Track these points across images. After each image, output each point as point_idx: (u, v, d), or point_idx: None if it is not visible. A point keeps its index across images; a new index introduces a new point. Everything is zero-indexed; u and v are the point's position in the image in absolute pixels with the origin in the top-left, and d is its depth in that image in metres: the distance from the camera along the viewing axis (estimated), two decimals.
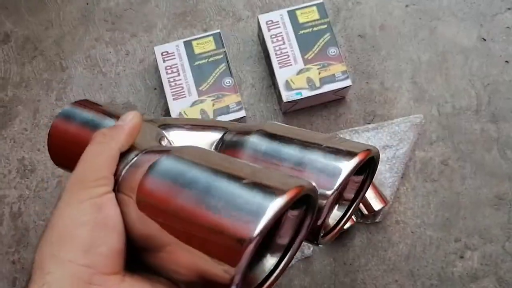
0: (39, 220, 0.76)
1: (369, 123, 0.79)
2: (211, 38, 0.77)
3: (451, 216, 0.75)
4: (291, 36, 0.77)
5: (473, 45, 0.83)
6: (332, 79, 0.75)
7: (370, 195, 0.72)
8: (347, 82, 0.75)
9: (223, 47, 0.77)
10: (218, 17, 0.86)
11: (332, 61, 0.76)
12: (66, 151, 0.39)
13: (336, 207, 0.40)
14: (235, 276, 0.25)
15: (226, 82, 0.75)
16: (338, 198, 0.40)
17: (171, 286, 0.31)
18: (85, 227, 0.29)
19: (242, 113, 0.74)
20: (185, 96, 0.75)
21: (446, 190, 0.76)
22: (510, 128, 0.78)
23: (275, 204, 0.26)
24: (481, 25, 0.84)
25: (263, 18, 0.78)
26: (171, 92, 0.75)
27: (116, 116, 0.38)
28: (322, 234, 0.37)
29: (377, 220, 0.74)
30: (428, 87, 0.81)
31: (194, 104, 0.74)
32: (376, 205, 0.71)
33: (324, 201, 0.33)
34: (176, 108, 0.74)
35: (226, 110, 0.74)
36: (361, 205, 0.72)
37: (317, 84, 0.75)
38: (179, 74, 0.76)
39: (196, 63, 0.76)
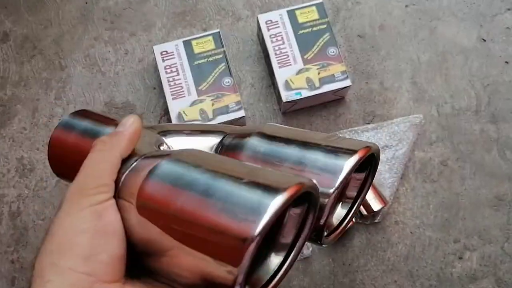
0: (38, 219, 0.76)
1: (368, 123, 0.79)
2: (210, 37, 0.77)
3: (451, 217, 0.75)
4: (291, 36, 0.77)
5: (473, 46, 0.83)
6: (331, 79, 0.75)
7: (369, 195, 0.72)
8: (347, 82, 0.75)
9: (223, 46, 0.77)
10: (218, 17, 0.85)
11: (331, 61, 0.76)
12: (66, 161, 0.39)
13: (340, 205, 0.40)
14: (238, 276, 0.25)
15: (226, 82, 0.75)
16: (341, 196, 0.40)
17: None
18: (85, 234, 0.29)
19: (241, 113, 0.74)
20: (184, 96, 0.75)
21: (445, 191, 0.76)
22: (509, 129, 0.78)
23: (275, 202, 0.26)
24: (481, 25, 0.84)
25: (262, 18, 0.78)
26: (171, 91, 0.75)
27: (115, 124, 0.38)
28: (326, 234, 0.37)
29: (376, 221, 0.74)
30: (428, 87, 0.81)
31: (193, 103, 0.74)
32: (376, 205, 0.71)
33: (326, 200, 0.33)
34: (175, 107, 0.74)
35: (226, 110, 0.74)
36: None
37: (317, 84, 0.75)
38: (178, 74, 0.76)
39: (196, 62, 0.76)
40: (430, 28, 0.84)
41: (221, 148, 0.39)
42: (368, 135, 0.77)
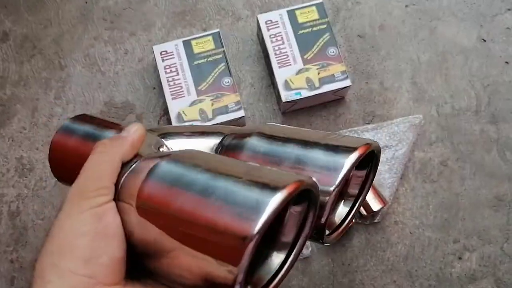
0: (38, 219, 0.76)
1: (368, 123, 0.79)
2: (210, 37, 0.77)
3: (450, 217, 0.75)
4: (291, 36, 0.77)
5: (473, 46, 0.83)
6: (331, 79, 0.75)
7: (369, 195, 0.71)
8: (347, 82, 0.75)
9: (222, 46, 0.77)
10: (218, 17, 0.85)
11: (331, 61, 0.76)
12: (67, 165, 0.39)
13: (341, 204, 0.40)
14: (238, 275, 0.25)
15: (225, 82, 0.75)
16: (342, 194, 0.40)
17: None
18: (85, 237, 0.29)
19: (241, 113, 0.74)
20: (184, 96, 0.74)
21: (445, 191, 0.76)
22: (509, 129, 0.78)
23: (274, 200, 0.26)
24: (481, 25, 0.84)
25: (262, 18, 0.78)
26: (170, 91, 0.75)
27: (116, 129, 0.38)
28: (328, 233, 0.37)
29: (376, 221, 0.74)
30: (428, 88, 0.81)
31: (193, 103, 0.74)
32: (375, 205, 0.71)
33: (327, 198, 0.33)
34: (175, 107, 0.74)
35: (225, 109, 0.74)
36: None
37: (317, 84, 0.75)
38: (178, 74, 0.76)
39: (195, 62, 0.76)
40: (430, 28, 0.84)
41: (221, 149, 0.39)
42: (368, 135, 0.77)
